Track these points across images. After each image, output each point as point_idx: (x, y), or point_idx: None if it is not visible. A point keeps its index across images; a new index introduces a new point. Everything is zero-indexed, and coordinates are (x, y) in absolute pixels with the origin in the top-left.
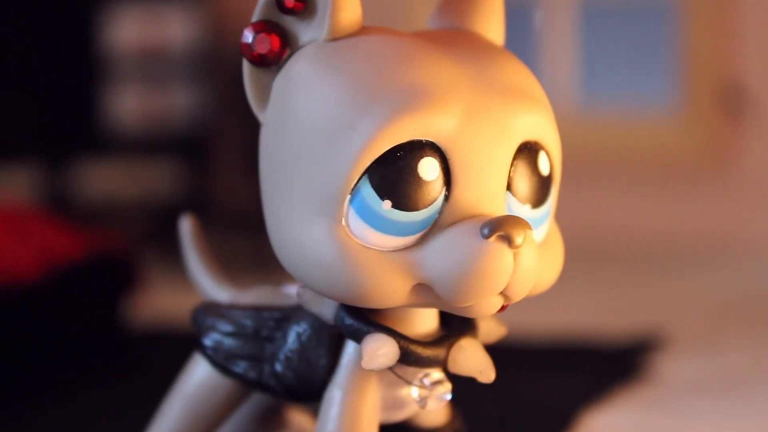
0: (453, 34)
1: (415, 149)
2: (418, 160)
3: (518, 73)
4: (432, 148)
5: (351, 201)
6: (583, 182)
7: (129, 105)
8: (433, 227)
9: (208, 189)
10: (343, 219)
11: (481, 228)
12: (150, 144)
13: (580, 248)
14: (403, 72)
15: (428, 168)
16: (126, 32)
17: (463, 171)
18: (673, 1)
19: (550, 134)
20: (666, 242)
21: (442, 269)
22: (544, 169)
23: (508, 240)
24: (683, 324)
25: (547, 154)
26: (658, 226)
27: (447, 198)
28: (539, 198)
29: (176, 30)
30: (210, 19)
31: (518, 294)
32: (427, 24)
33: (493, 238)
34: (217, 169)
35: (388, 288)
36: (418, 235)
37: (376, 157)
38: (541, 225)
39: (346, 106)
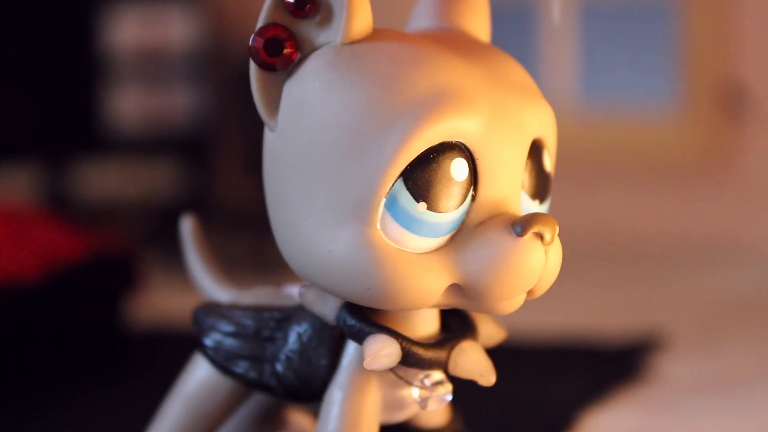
0: (451, 35)
1: (447, 150)
2: (450, 162)
3: (521, 72)
4: (461, 149)
5: (385, 204)
6: (583, 182)
7: (129, 105)
8: (462, 227)
9: (208, 189)
10: (378, 223)
11: (514, 226)
12: (150, 144)
13: (580, 248)
14: (431, 74)
15: (459, 169)
16: (126, 32)
17: (488, 171)
18: (673, 1)
19: (552, 131)
20: (666, 242)
21: (478, 269)
22: (548, 165)
23: (540, 237)
24: (683, 324)
25: (548, 150)
26: (658, 226)
27: (474, 198)
28: (544, 193)
29: (176, 30)
30: (210, 19)
31: (543, 289)
32: (408, 24)
33: (527, 236)
34: (217, 169)
35: (426, 289)
36: (448, 236)
37: (411, 159)
38: None
39: (377, 109)
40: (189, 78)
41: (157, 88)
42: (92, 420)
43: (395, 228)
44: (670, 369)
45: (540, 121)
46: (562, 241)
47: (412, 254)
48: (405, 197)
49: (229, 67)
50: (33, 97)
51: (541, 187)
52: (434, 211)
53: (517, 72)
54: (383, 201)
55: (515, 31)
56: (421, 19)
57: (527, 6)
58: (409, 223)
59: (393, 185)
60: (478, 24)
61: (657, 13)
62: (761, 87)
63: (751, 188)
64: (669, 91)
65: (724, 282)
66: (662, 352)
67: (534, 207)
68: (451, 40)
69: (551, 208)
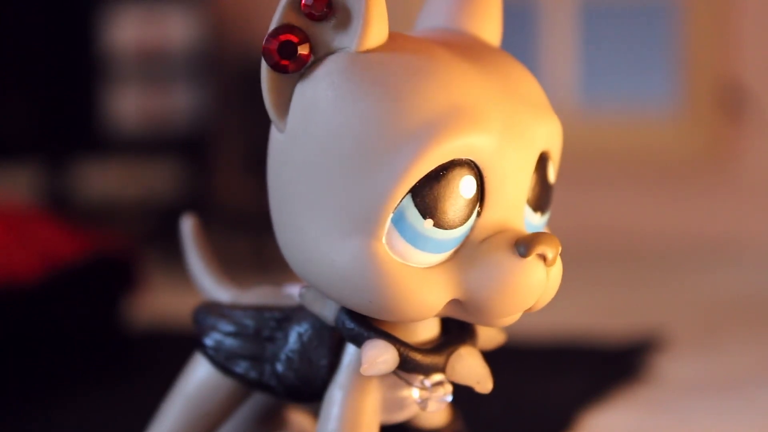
0: (464, 41)
1: (456, 167)
2: (460, 179)
3: (531, 82)
4: (470, 166)
5: (392, 219)
6: (583, 182)
7: (129, 105)
8: (465, 243)
9: (208, 189)
10: (384, 237)
11: (517, 247)
12: (150, 144)
13: (580, 248)
14: (445, 90)
15: (468, 186)
16: (126, 32)
17: (496, 188)
18: (673, 1)
19: (559, 143)
20: (666, 242)
21: (480, 287)
22: (551, 177)
23: (543, 258)
24: (683, 324)
25: (552, 162)
26: (658, 226)
27: (479, 214)
28: (546, 205)
29: (176, 30)
30: (210, 19)
31: (541, 305)
32: (417, 23)
33: (530, 257)
34: (217, 169)
35: (427, 304)
36: (451, 251)
37: (421, 176)
38: (544, 229)
39: (389, 124)
40: (189, 78)
41: (157, 88)
42: (92, 420)
43: (400, 243)
44: (670, 369)
45: (548, 135)
46: (561, 241)
47: (416, 269)
48: (412, 213)
49: (229, 67)
50: (33, 97)
51: (543, 199)
52: (440, 227)
53: (528, 84)
54: (390, 216)
55: (515, 31)
56: (431, 19)
57: (527, 6)
58: (414, 238)
59: (401, 201)
60: (490, 26)
61: (657, 13)
62: (761, 87)
63: (751, 188)
64: (669, 91)
65: (724, 282)
66: (662, 352)
67: (535, 219)
68: (464, 47)
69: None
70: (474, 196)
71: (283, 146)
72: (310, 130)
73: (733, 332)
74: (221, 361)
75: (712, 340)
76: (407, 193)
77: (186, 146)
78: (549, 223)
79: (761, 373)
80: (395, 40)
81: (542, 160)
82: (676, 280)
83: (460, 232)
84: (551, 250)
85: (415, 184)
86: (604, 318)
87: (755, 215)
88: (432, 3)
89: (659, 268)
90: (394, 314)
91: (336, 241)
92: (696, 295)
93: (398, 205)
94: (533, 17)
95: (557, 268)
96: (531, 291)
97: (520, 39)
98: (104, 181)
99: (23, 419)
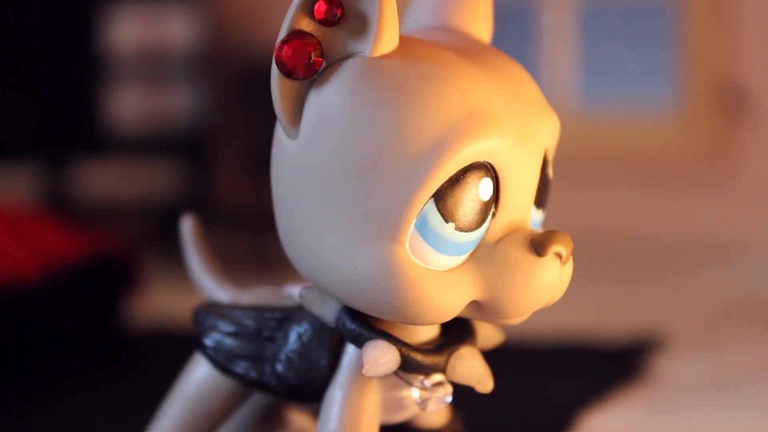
0: (460, 40)
1: (475, 171)
2: (479, 182)
3: (529, 80)
4: (487, 168)
5: (416, 224)
6: (583, 182)
7: (129, 105)
8: (480, 244)
9: (208, 189)
10: (407, 242)
11: (534, 246)
12: (150, 144)
13: (580, 248)
14: (462, 94)
15: (486, 189)
16: (126, 32)
17: (510, 189)
18: (673, 1)
19: (556, 139)
20: (666, 242)
21: (501, 287)
22: (551, 173)
23: (559, 256)
24: (683, 324)
25: (549, 158)
26: (658, 226)
27: (494, 215)
28: (546, 201)
29: (176, 30)
30: (210, 19)
31: (552, 303)
32: (404, 23)
33: (547, 256)
34: (217, 169)
35: (450, 306)
36: (469, 253)
37: (444, 181)
38: (542, 225)
39: (410, 130)
40: (189, 78)
41: (157, 88)
42: (92, 420)
43: (422, 247)
44: (670, 369)
45: (550, 133)
46: None
47: (438, 272)
48: (435, 218)
49: (229, 67)
50: (33, 97)
51: (545, 195)
52: (461, 230)
53: (528, 82)
54: (414, 221)
55: (515, 31)
56: (419, 18)
57: (527, 6)
58: (436, 242)
59: (424, 206)
60: (481, 24)
61: (657, 13)
62: (761, 87)
63: (751, 188)
64: (669, 91)
65: (724, 282)
66: (662, 352)
67: (537, 215)
68: (466, 49)
69: (549, 209)
70: (491, 198)
71: (295, 153)
72: (326, 137)
73: (733, 332)
74: (221, 361)
75: (712, 340)
76: (430, 198)
77: (186, 146)
78: (550, 224)
79: (761, 373)
80: (407, 44)
81: (545, 158)
82: (676, 280)
83: (477, 234)
84: (565, 248)
85: (437, 189)
86: (604, 318)
87: (755, 215)
88: (419, 2)
89: (659, 268)
90: (418, 318)
91: (357, 247)
92: (696, 295)
93: (421, 210)
94: (533, 17)
95: (569, 266)
96: (548, 289)
97: (520, 39)
98: (104, 181)
99: (23, 419)
